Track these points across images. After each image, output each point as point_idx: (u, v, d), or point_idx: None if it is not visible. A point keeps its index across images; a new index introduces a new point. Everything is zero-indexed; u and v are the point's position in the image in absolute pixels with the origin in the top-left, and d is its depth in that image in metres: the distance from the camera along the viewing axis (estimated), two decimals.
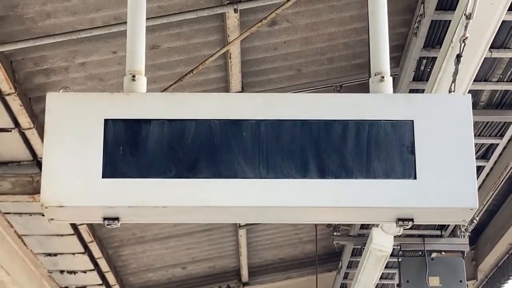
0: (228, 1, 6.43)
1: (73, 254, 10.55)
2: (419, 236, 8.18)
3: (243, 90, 8.69)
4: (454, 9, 4.60)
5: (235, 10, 6.50)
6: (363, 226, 8.48)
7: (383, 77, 4.03)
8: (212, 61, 6.56)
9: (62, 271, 11.10)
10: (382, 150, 3.70)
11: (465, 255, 8.74)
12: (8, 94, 7.00)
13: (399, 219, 3.75)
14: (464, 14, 3.87)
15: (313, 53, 7.79)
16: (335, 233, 8.93)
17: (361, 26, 7.20)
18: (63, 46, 6.92)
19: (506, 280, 11.39)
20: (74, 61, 7.23)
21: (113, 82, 7.47)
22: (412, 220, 3.72)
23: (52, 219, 3.54)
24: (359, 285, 8.87)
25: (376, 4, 4.30)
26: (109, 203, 3.44)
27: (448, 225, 8.48)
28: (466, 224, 8.39)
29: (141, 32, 3.96)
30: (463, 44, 4.13)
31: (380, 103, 3.89)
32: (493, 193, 9.72)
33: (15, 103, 7.15)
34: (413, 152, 3.68)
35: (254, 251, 11.98)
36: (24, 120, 7.46)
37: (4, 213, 8.56)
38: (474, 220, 7.37)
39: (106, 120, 3.50)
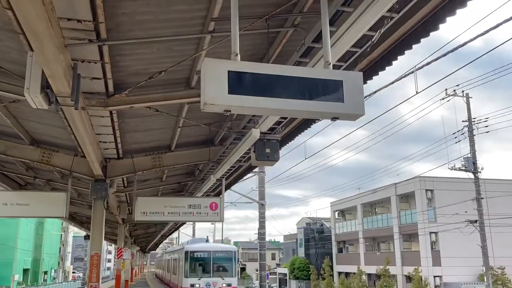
0: None
1: None
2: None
3: None
4: None
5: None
6: (244, 127, 8.40)
7: (329, 63, 3.97)
8: None
9: None
10: (332, 91, 3.61)
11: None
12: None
13: (333, 118, 3.69)
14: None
15: None
16: (231, 130, 8.80)
17: None
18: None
19: None
20: None
21: None
22: (338, 118, 3.67)
23: (204, 109, 3.45)
24: (238, 152, 8.85)
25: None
26: (228, 103, 3.38)
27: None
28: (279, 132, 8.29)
29: (237, 37, 3.78)
30: None
31: (331, 73, 3.80)
32: None
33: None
34: (342, 92, 3.61)
35: (181, 134, 11.09)
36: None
37: (91, 115, 8.04)
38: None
39: (229, 71, 3.41)
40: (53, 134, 10.94)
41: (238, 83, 3.40)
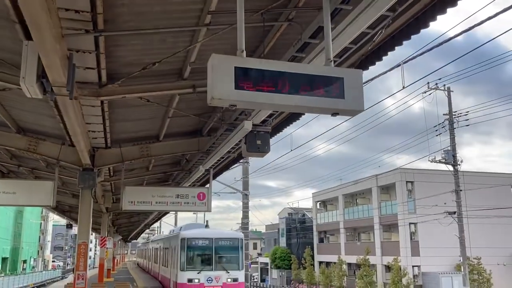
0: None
1: None
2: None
3: None
4: None
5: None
6: (236, 119, 8.45)
7: (331, 60, 4.04)
8: None
9: None
10: (334, 87, 3.66)
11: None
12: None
13: (333, 113, 3.74)
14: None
15: None
16: (222, 122, 8.84)
17: None
18: None
19: None
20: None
21: None
22: (338, 113, 3.73)
23: (211, 103, 3.50)
24: (229, 143, 8.90)
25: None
26: (235, 99, 3.45)
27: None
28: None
29: (242, 34, 3.85)
30: None
31: (332, 70, 3.86)
32: None
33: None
34: (343, 88, 3.67)
35: (170, 124, 11.06)
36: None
37: (82, 105, 8.02)
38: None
39: (235, 67, 3.45)
40: (40, 122, 10.86)
41: (244, 79, 3.46)
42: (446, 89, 31.45)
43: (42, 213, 72.85)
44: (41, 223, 76.25)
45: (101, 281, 23.90)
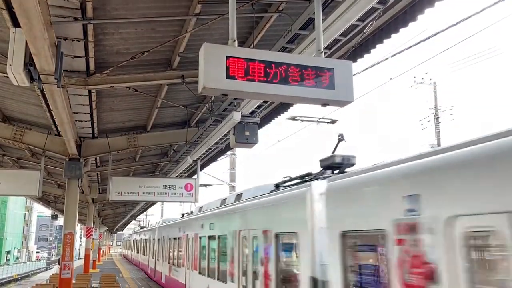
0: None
1: None
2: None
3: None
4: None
5: None
6: (224, 110, 8.43)
7: (321, 51, 4.05)
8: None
9: None
10: (324, 78, 3.68)
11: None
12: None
13: (323, 104, 3.78)
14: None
15: None
16: (211, 112, 8.78)
17: None
18: None
19: None
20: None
21: None
22: (328, 104, 3.78)
23: (202, 92, 3.50)
24: (217, 134, 8.88)
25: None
26: (226, 88, 3.45)
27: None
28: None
29: (234, 23, 3.81)
30: None
31: (323, 60, 3.85)
32: None
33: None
34: (333, 79, 3.69)
35: (158, 115, 11.17)
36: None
37: (69, 94, 7.92)
38: None
39: (227, 56, 3.46)
40: (26, 111, 10.73)
41: (236, 68, 3.46)
42: (432, 83, 31.68)
43: (26, 203, 72.06)
44: (25, 213, 75.46)
45: (86, 271, 23.79)
